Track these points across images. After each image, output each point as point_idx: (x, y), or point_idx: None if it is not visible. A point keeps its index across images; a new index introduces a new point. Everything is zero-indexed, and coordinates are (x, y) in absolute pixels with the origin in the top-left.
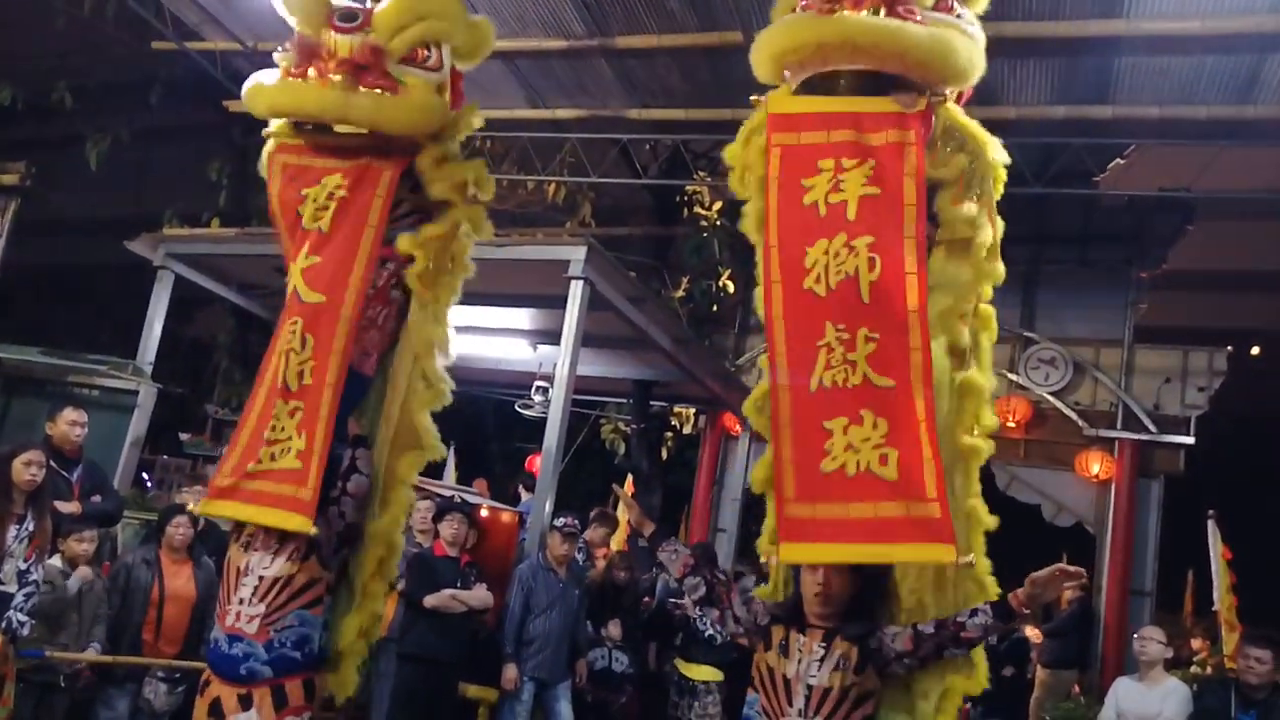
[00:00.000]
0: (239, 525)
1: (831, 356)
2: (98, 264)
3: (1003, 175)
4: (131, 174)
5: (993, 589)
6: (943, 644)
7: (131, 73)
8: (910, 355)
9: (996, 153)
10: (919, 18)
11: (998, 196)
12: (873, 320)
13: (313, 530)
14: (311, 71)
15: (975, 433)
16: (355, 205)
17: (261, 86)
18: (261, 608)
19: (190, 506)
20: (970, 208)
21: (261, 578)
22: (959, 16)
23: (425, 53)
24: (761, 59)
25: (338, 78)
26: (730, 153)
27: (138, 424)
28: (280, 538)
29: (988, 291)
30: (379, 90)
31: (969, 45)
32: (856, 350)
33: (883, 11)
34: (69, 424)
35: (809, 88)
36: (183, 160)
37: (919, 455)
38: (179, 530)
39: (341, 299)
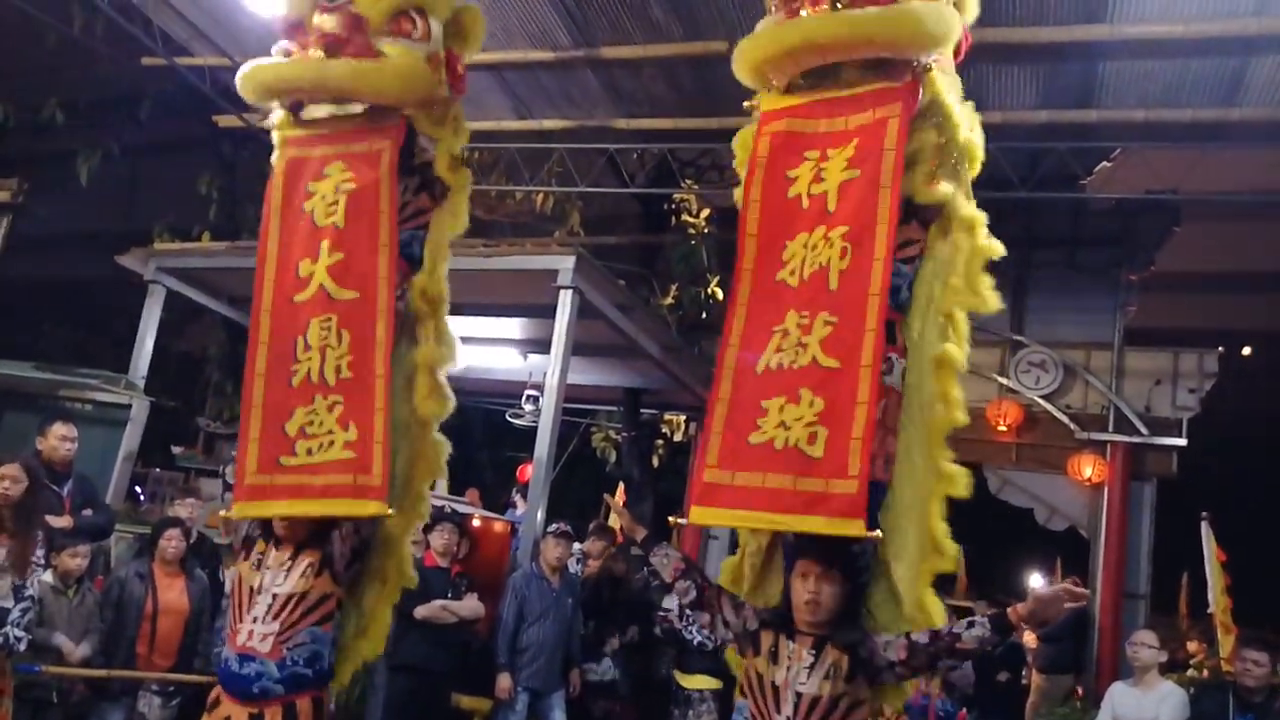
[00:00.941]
0: (247, 543)
1: (785, 341)
2: (89, 279)
3: (978, 154)
4: (122, 189)
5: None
6: (937, 655)
7: (121, 88)
8: (864, 337)
9: (971, 131)
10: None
11: (974, 174)
12: (835, 305)
13: (389, 512)
14: (295, 49)
15: (943, 404)
16: (364, 195)
17: (249, 70)
18: (275, 626)
19: (222, 513)
20: (944, 188)
21: (275, 595)
22: None
23: (409, 24)
24: (742, 70)
25: (318, 52)
26: (740, 140)
27: (130, 438)
28: (294, 554)
29: (975, 268)
30: (357, 59)
31: (935, 8)
32: (812, 334)
33: (840, 4)
34: (59, 439)
35: (814, 78)
36: (173, 175)
37: (848, 435)
38: (171, 543)
39: (375, 292)
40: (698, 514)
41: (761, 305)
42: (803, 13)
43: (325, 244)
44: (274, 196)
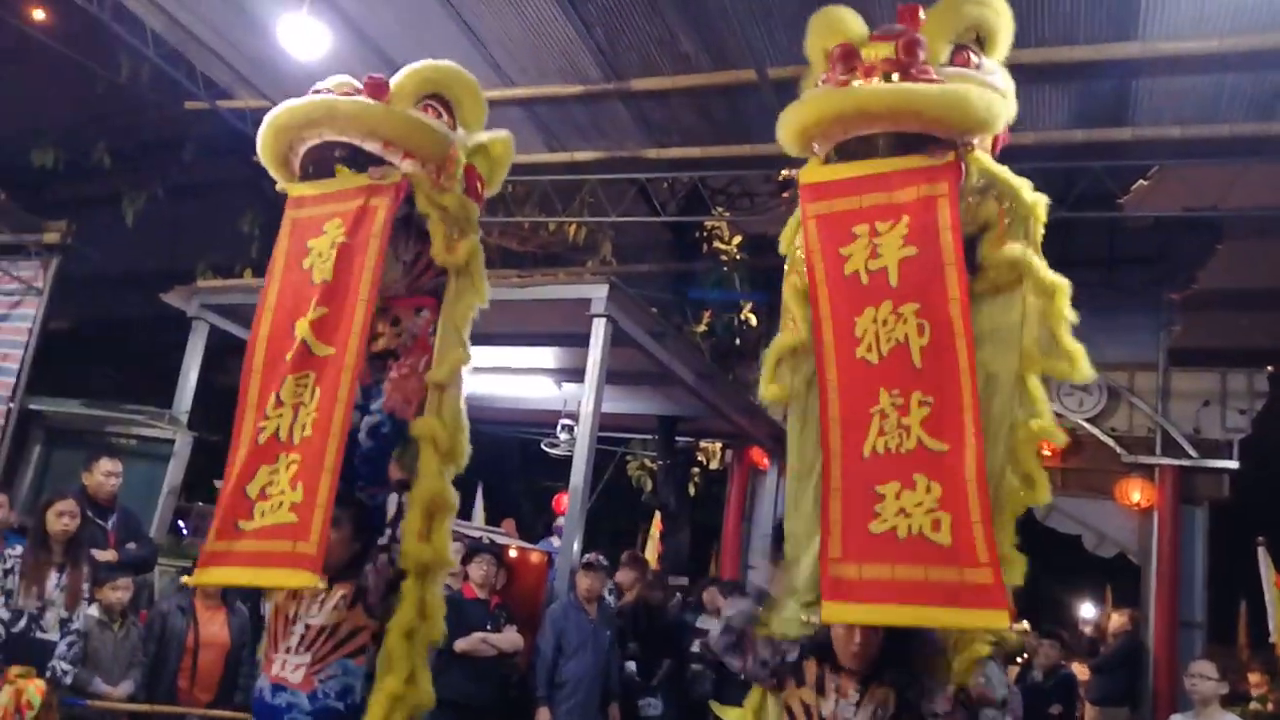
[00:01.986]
0: None
1: (885, 423)
2: (135, 317)
3: (1042, 215)
4: (166, 229)
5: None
6: (977, 711)
7: (166, 132)
8: (963, 416)
9: (1032, 194)
10: (932, 75)
11: (1039, 236)
12: (926, 384)
13: (320, 585)
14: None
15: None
16: (354, 250)
17: (268, 119)
18: (308, 657)
19: (184, 580)
20: (1014, 248)
21: (308, 626)
22: (978, 67)
23: (434, 113)
24: (787, 134)
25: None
26: (783, 243)
27: (174, 472)
28: (328, 585)
29: (1062, 334)
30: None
31: (985, 94)
32: (910, 415)
33: (896, 76)
34: (105, 474)
35: (847, 153)
36: (215, 214)
37: (970, 519)
38: None
39: (346, 348)
40: (832, 611)
41: (851, 384)
42: (855, 84)
43: (314, 299)
44: (277, 257)
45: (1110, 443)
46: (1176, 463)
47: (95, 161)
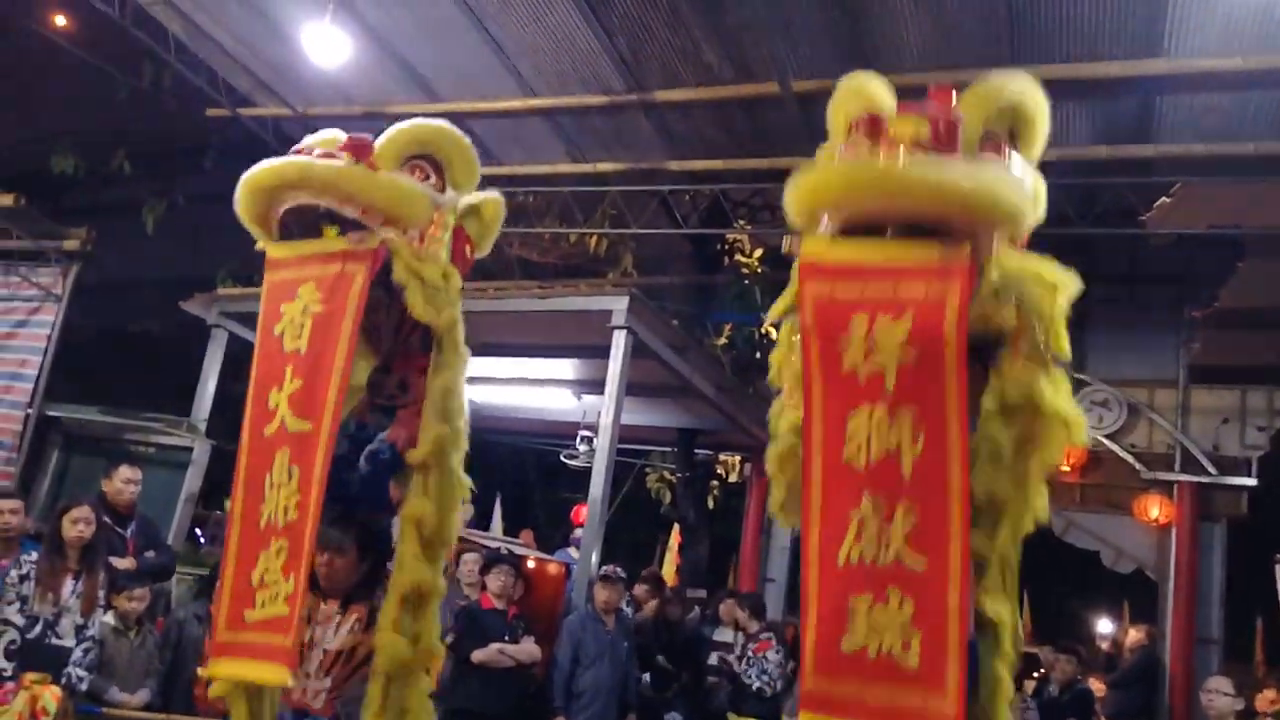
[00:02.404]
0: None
1: (864, 530)
2: (154, 324)
3: (1062, 331)
4: (187, 236)
5: None
6: None
7: (187, 139)
8: (950, 539)
9: (1057, 301)
10: (960, 158)
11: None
12: (913, 496)
13: (290, 682)
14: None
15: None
16: (329, 319)
17: (245, 178)
18: (328, 682)
19: (199, 672)
20: (1025, 370)
21: (326, 651)
22: (1009, 160)
23: (422, 174)
24: (800, 201)
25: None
26: (772, 313)
27: (192, 480)
28: (342, 608)
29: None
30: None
31: (1016, 188)
32: (893, 525)
33: (923, 154)
34: (123, 481)
35: (852, 232)
36: (236, 222)
37: (944, 643)
38: None
39: (320, 424)
40: None
41: (834, 485)
42: (879, 157)
43: (289, 370)
44: (260, 323)
45: (1129, 459)
46: (1195, 479)
47: (115, 168)
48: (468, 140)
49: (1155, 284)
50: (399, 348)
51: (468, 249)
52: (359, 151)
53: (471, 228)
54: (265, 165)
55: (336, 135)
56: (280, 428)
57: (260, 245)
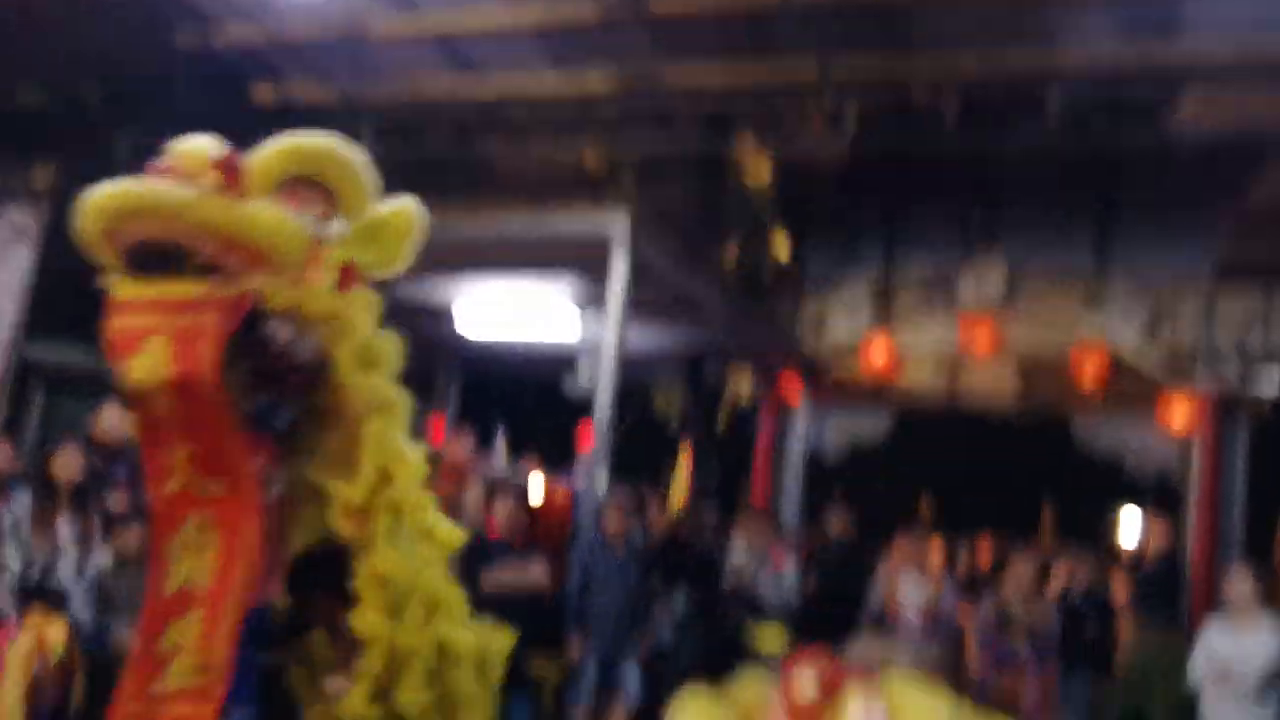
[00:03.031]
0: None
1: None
2: None
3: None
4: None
5: None
6: None
7: (156, 68)
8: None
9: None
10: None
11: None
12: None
13: None
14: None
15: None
16: (189, 381)
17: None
18: None
19: None
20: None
21: None
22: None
23: (303, 198)
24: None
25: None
26: None
27: None
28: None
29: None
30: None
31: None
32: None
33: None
34: (111, 421)
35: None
36: None
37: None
38: None
39: (236, 488)
40: None
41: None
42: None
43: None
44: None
45: (1153, 365)
46: (1219, 383)
47: (84, 101)
48: (360, 158)
49: (1182, 183)
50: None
51: (355, 277)
52: (227, 173)
53: (369, 255)
54: (110, 187)
55: (207, 150)
56: (187, 492)
57: (103, 281)
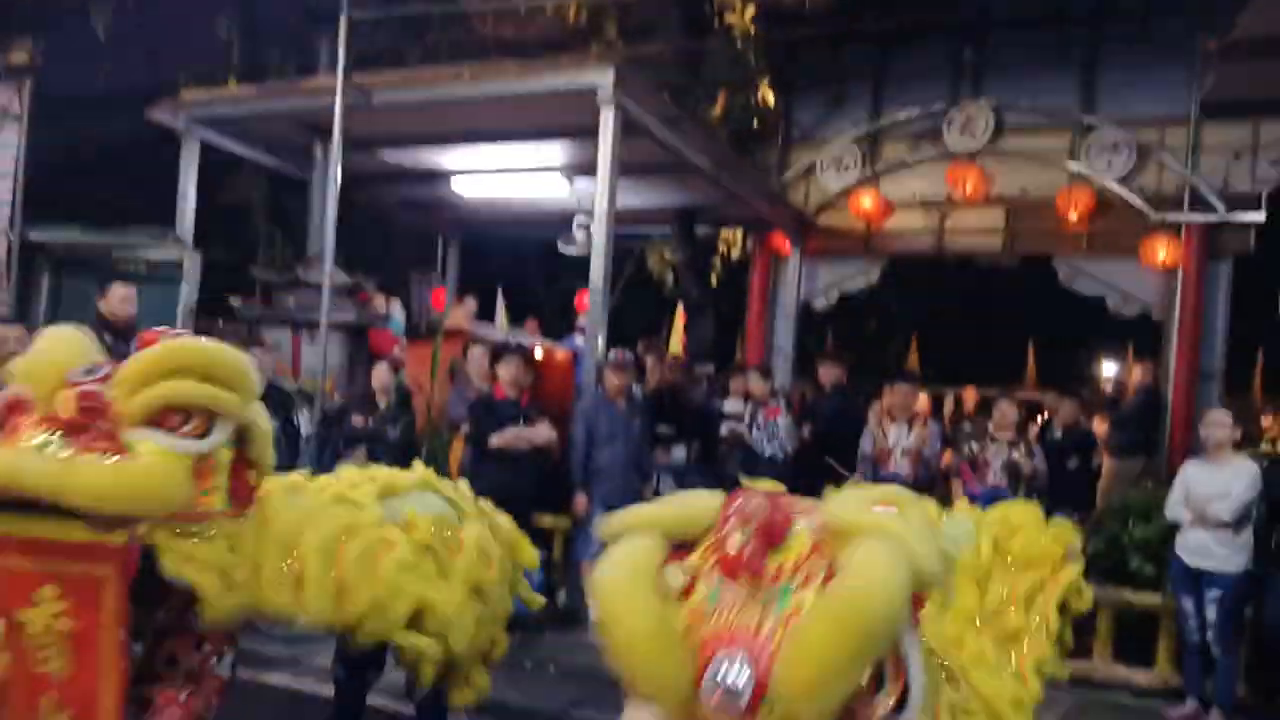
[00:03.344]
0: None
1: None
2: (124, 136)
3: None
4: (142, 41)
5: None
6: None
7: None
8: None
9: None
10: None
11: None
12: None
13: None
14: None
15: None
16: (86, 637)
17: None
18: None
19: None
20: None
21: None
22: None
23: (179, 418)
24: None
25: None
26: None
27: (188, 294)
28: None
29: None
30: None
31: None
32: None
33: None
34: (120, 300)
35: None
36: (189, 21)
37: None
38: None
39: None
40: None
41: None
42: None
43: (50, 701)
44: None
45: (1138, 202)
46: (1204, 218)
47: None
48: (234, 356)
49: (1169, 16)
50: (171, 621)
51: (251, 476)
52: (90, 414)
53: (255, 448)
54: None
55: (66, 389)
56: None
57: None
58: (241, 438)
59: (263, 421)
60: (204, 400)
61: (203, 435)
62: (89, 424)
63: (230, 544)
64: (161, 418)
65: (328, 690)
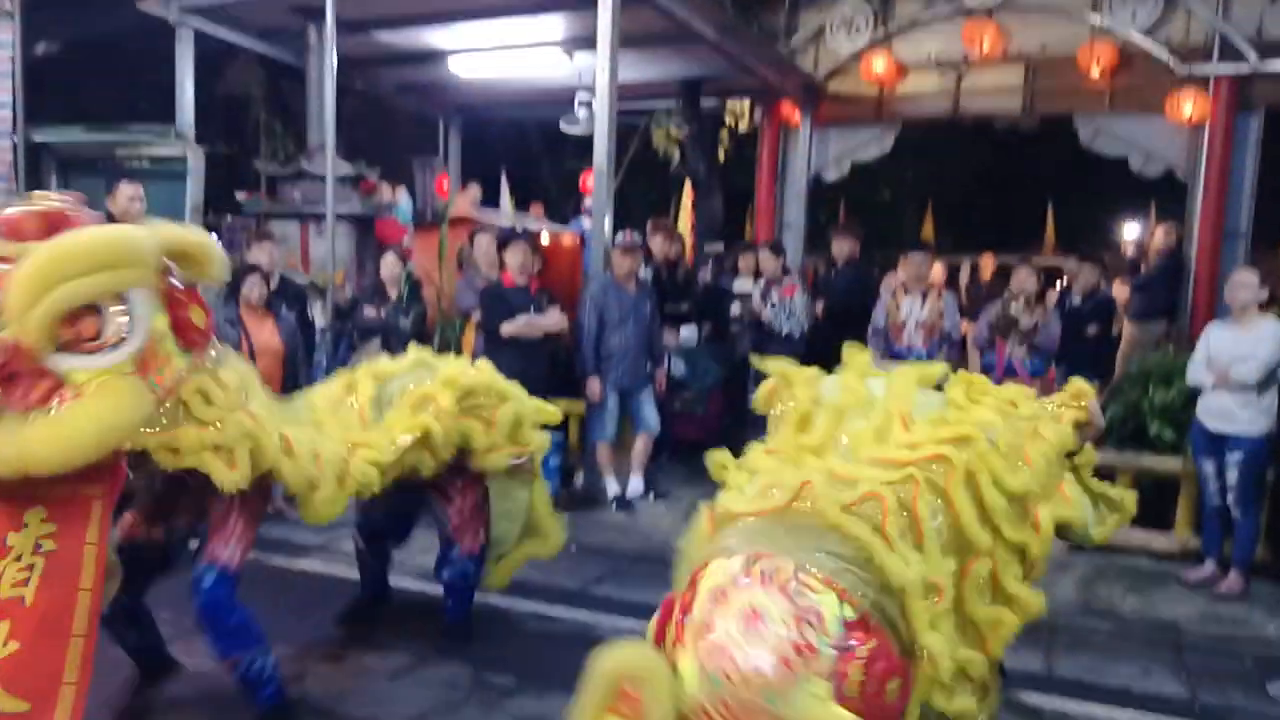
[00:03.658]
0: None
1: None
2: (118, 31)
3: None
4: None
5: None
6: None
7: None
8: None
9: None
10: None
11: None
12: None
13: None
14: None
15: None
16: (64, 561)
17: None
18: None
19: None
20: None
21: None
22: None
23: (90, 325)
24: None
25: None
26: None
27: (194, 191)
28: None
29: None
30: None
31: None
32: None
33: None
34: (128, 199)
35: None
36: None
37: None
38: (254, 289)
39: (50, 714)
40: None
41: None
42: None
43: (4, 627)
44: None
45: (1164, 55)
46: (1234, 70)
47: None
48: (131, 235)
49: None
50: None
51: (195, 312)
52: (9, 362)
53: (191, 271)
54: None
55: None
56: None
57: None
58: (165, 275)
59: (176, 241)
60: (98, 293)
61: (122, 339)
62: (15, 371)
63: (205, 397)
64: (75, 334)
65: (356, 575)
